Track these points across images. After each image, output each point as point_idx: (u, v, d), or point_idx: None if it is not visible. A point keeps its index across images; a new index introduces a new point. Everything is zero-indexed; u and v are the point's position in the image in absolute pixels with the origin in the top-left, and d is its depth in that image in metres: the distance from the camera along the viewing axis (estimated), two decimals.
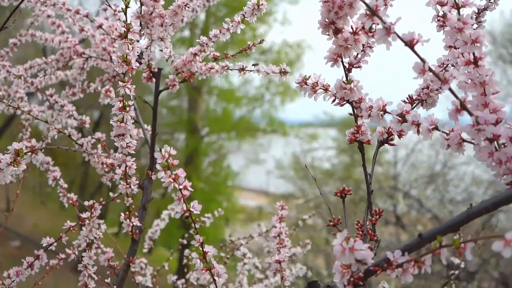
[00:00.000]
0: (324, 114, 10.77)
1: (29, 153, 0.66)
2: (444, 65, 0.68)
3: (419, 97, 0.67)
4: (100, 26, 1.05)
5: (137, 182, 0.90)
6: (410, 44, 0.50)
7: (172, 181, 0.61)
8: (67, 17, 1.13)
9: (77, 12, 1.08)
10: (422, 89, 0.67)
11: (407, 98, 0.68)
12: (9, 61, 1.24)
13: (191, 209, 0.62)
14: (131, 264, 0.98)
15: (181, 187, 0.61)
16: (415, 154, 7.83)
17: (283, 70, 0.83)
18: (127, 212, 0.95)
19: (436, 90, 0.66)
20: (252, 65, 0.96)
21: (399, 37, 0.50)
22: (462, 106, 0.51)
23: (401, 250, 0.51)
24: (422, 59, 0.50)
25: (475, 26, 0.71)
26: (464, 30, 0.52)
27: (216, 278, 0.64)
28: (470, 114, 0.51)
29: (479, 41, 0.52)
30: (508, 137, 0.52)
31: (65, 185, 1.09)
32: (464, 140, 0.54)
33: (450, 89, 0.50)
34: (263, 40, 0.99)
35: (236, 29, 0.86)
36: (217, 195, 10.49)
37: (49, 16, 1.17)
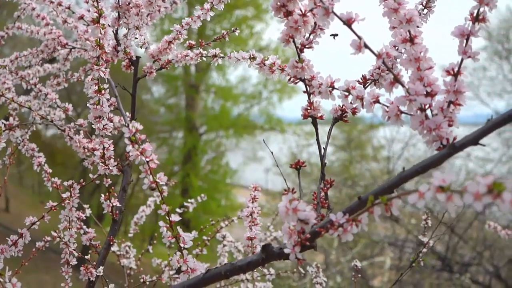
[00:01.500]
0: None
1: (7, 131, 0.71)
2: (396, 47, 0.73)
3: (372, 77, 0.72)
4: (81, 17, 1.10)
5: (116, 163, 0.95)
6: (348, 23, 0.55)
7: (139, 154, 0.66)
8: (51, 9, 1.17)
9: (59, 4, 1.13)
10: (375, 69, 0.72)
11: (360, 78, 0.72)
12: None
13: (157, 180, 0.67)
14: (111, 243, 1.03)
15: (148, 159, 0.66)
16: (412, 149, 7.89)
17: (252, 56, 0.87)
18: (107, 193, 1.00)
19: (387, 70, 0.71)
20: (249, 58, 0.98)
21: (337, 16, 0.55)
22: (395, 79, 0.56)
23: (342, 212, 0.56)
24: (358, 36, 0.55)
25: (425, 11, 0.76)
26: (399, 10, 0.57)
27: (182, 245, 0.69)
28: (403, 86, 0.55)
29: (413, 20, 0.57)
30: (439, 107, 0.57)
31: (50, 170, 1.14)
32: (401, 112, 0.59)
33: (384, 63, 0.55)
34: (236, 28, 1.03)
35: (206, 17, 0.91)
36: (216, 193, 10.54)
37: (33, 9, 1.22)
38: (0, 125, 0.70)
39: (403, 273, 1.12)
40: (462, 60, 0.56)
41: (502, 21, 8.96)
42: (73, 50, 1.23)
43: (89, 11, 1.12)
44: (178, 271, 0.68)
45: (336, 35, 0.67)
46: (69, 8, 1.14)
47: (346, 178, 7.92)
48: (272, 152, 0.97)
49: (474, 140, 0.51)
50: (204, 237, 1.34)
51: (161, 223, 0.69)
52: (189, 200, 1.42)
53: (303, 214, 0.54)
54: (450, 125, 0.56)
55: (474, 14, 0.56)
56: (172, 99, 11.83)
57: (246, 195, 0.97)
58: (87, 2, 1.11)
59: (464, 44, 0.56)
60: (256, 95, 12.04)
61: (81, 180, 0.96)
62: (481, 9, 0.55)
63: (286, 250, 0.58)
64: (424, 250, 1.08)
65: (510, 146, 8.08)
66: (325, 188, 0.66)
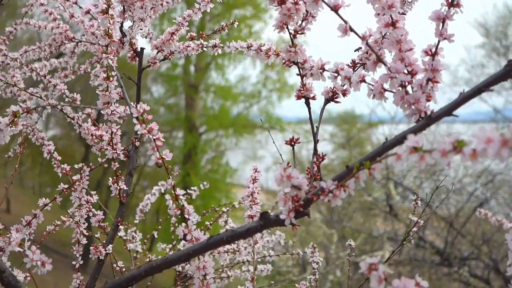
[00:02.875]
0: (320, 110, 10.84)
1: (25, 114, 0.77)
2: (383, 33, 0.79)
3: (360, 61, 0.78)
4: (88, 12, 1.16)
5: (123, 148, 1.01)
6: (335, 8, 0.61)
7: (146, 132, 0.72)
8: (58, 4, 1.23)
9: None
10: (363, 53, 0.78)
11: (350, 62, 0.79)
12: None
13: (163, 156, 0.73)
14: (119, 224, 1.09)
15: (155, 137, 0.72)
16: None
17: (249, 45, 0.93)
18: (114, 177, 1.06)
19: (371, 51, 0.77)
20: (246, 47, 1.03)
21: (325, 3, 0.61)
22: (378, 59, 0.62)
23: (332, 180, 0.62)
24: (345, 21, 0.61)
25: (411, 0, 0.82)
26: None
27: (186, 216, 0.75)
28: (385, 65, 0.62)
29: (394, 6, 0.63)
30: (419, 84, 0.63)
31: (59, 157, 1.20)
32: (385, 89, 0.65)
33: (368, 45, 0.61)
34: (235, 21, 1.09)
35: (206, 8, 0.97)
36: (216, 192, 10.59)
37: (42, 4, 1.28)
38: (18, 109, 0.75)
39: (395, 249, 1.18)
40: (439, 41, 0.62)
41: (500, 18, 9.02)
42: (79, 43, 1.29)
43: (95, 6, 1.19)
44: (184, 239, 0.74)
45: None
46: (75, 3, 1.20)
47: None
48: (277, 148, 1.02)
49: (448, 111, 0.57)
50: (207, 222, 1.40)
51: (167, 196, 0.75)
52: (192, 188, 1.48)
53: (296, 180, 0.60)
54: (428, 100, 0.62)
55: (450, 0, 0.62)
56: (171, 99, 11.87)
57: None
58: None
59: (440, 27, 0.62)
60: (255, 94, 12.09)
61: (90, 164, 1.02)
62: None
63: (281, 216, 0.64)
64: (415, 229, 1.14)
65: None
66: (318, 162, 0.72)
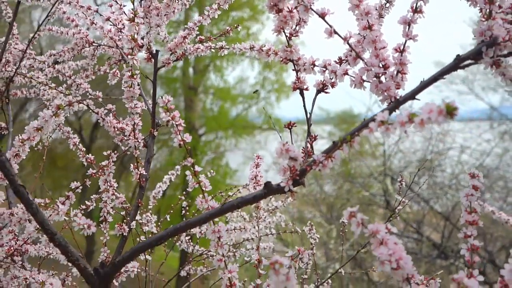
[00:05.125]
0: (320, 110, 11.02)
1: (67, 106, 0.92)
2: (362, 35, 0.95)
3: (346, 58, 0.93)
4: (108, 19, 1.31)
5: (143, 137, 1.17)
6: (322, 15, 0.77)
7: (171, 119, 0.87)
8: (79, 12, 1.39)
9: (88, 8, 1.34)
10: (347, 51, 0.93)
11: (338, 59, 0.94)
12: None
13: (184, 138, 0.89)
14: (140, 205, 1.24)
15: (177, 123, 0.88)
16: (409, 143, 8.13)
17: (252, 46, 1.09)
18: (135, 163, 1.21)
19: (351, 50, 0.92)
20: (249, 48, 1.20)
21: (314, 11, 0.76)
22: (357, 56, 0.78)
23: (321, 153, 0.77)
24: (330, 26, 0.77)
25: (387, 5, 0.98)
26: (359, 6, 0.79)
27: (203, 189, 0.90)
28: (362, 60, 0.77)
29: (370, 13, 0.78)
30: (390, 75, 0.78)
31: (84, 148, 1.35)
32: (363, 80, 0.80)
33: (349, 44, 0.77)
34: (238, 25, 1.25)
35: (214, 15, 1.12)
36: (216, 192, 10.73)
37: (64, 12, 1.43)
38: (61, 102, 0.91)
39: (391, 215, 1.33)
40: (405, 41, 0.78)
41: None
42: (98, 47, 1.44)
43: (113, 12, 1.34)
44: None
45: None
46: (96, 11, 1.35)
47: (346, 174, 8.15)
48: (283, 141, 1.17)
49: (411, 96, 0.73)
50: None
51: (187, 172, 0.91)
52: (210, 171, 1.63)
53: (293, 153, 0.76)
54: (397, 88, 0.77)
55: (414, 7, 0.77)
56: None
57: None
58: (111, 6, 1.33)
59: (406, 29, 0.77)
60: (254, 95, 12.24)
61: (115, 151, 1.18)
62: (419, 3, 0.77)
63: (281, 184, 0.80)
64: (400, 207, 1.29)
65: (505, 139, 8.29)
66: (311, 141, 0.87)
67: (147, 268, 1.59)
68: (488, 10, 0.69)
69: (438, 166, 6.86)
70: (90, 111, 1.26)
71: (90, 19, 1.40)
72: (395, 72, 0.78)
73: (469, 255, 0.70)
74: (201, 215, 0.86)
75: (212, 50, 1.22)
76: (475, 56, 0.69)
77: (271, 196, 1.78)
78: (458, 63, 0.70)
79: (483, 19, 0.70)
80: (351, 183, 7.76)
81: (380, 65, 0.78)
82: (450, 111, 0.53)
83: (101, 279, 0.81)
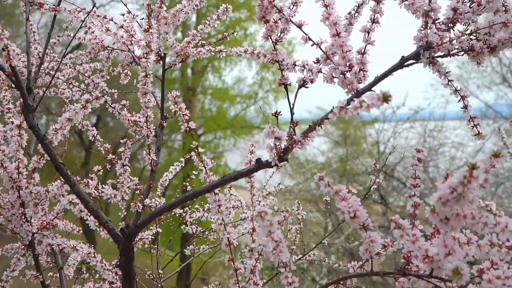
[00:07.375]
0: (318, 109, 11.22)
1: (94, 100, 1.13)
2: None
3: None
4: (121, 26, 1.52)
5: (155, 127, 1.37)
6: (299, 26, 0.97)
7: (178, 110, 1.08)
8: (95, 20, 1.59)
9: (104, 17, 1.55)
10: (322, 54, 1.14)
11: (316, 59, 1.15)
12: None
13: (190, 126, 1.09)
14: (151, 186, 1.45)
15: (183, 113, 1.09)
16: (406, 140, 8.37)
17: (246, 50, 1.30)
18: (147, 150, 1.42)
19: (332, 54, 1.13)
20: (244, 51, 1.42)
21: (293, 22, 0.97)
22: (327, 57, 0.98)
23: (300, 134, 0.98)
24: (305, 34, 0.98)
25: (356, 14, 1.19)
26: (329, 17, 0.99)
27: (205, 166, 1.11)
28: (331, 61, 0.98)
29: (337, 23, 0.99)
30: (354, 73, 0.99)
31: (101, 139, 1.56)
32: (333, 76, 1.01)
33: (320, 48, 0.98)
34: (235, 31, 1.46)
35: (214, 24, 1.33)
36: None
37: (82, 21, 1.64)
38: (89, 97, 1.11)
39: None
40: (366, 45, 0.99)
41: (490, 16, 9.37)
42: (113, 51, 1.65)
43: (125, 20, 1.55)
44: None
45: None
46: (112, 19, 1.56)
47: (343, 173, 8.36)
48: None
49: (368, 88, 0.94)
50: None
51: (192, 153, 1.12)
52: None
53: (278, 134, 0.96)
54: (359, 82, 0.98)
55: (372, 18, 0.98)
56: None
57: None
58: (123, 15, 1.54)
59: (366, 36, 0.98)
60: (252, 95, 12.44)
61: (130, 140, 1.38)
62: (375, 15, 0.98)
63: (269, 159, 1.01)
64: (374, 186, 1.50)
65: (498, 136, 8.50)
66: (293, 125, 1.08)
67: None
68: (424, 21, 0.90)
69: (431, 161, 7.08)
70: (107, 105, 1.46)
71: (105, 27, 1.60)
72: (358, 70, 0.99)
73: (412, 210, 0.91)
74: (205, 185, 1.06)
75: (212, 53, 1.43)
76: (415, 57, 0.90)
77: (265, 184, 1.99)
78: (403, 62, 0.91)
79: (421, 28, 0.91)
80: (347, 179, 7.98)
81: (346, 65, 0.99)
82: (385, 98, 0.74)
83: (126, 237, 1.01)
